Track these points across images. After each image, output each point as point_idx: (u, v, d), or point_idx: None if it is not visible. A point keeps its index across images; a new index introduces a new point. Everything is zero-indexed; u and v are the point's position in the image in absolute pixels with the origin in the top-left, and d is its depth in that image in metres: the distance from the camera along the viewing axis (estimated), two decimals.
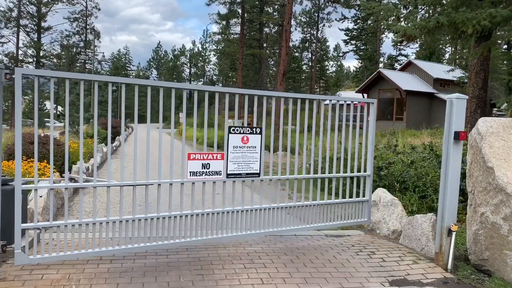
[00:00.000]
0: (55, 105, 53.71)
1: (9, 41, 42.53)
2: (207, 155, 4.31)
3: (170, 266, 4.14)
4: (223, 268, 4.17)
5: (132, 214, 4.12)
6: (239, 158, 4.46)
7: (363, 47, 57.91)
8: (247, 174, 4.55)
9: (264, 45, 41.72)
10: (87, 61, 61.47)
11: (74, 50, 56.90)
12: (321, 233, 5.83)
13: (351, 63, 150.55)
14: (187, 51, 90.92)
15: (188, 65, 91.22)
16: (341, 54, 68.69)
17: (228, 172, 4.43)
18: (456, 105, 4.38)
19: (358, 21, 54.73)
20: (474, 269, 4.47)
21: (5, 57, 41.30)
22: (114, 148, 17.79)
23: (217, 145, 5.00)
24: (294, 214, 5.06)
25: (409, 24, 8.19)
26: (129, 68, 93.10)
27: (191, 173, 4.24)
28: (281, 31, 41.73)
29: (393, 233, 5.62)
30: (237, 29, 39.01)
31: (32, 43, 39.56)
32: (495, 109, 33.43)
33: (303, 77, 67.82)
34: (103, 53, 33.87)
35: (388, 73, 36.04)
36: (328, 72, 75.84)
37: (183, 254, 4.55)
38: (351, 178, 5.39)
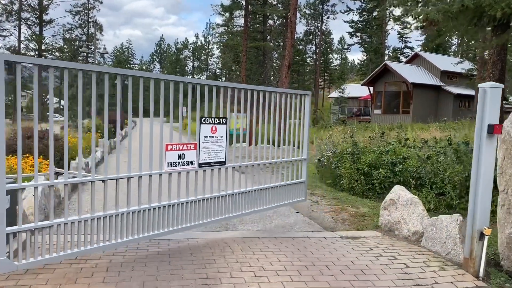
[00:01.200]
0: (57, 99, 53.40)
1: (11, 34, 42.21)
2: (182, 145, 4.40)
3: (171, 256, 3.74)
4: (231, 277, 3.76)
5: (116, 209, 3.98)
6: (209, 148, 4.66)
7: (368, 40, 57.18)
8: (215, 162, 4.78)
9: (268, 37, 41.13)
10: (89, 54, 61.00)
11: (77, 43, 56.54)
12: (335, 234, 5.41)
13: (356, 56, 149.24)
14: (190, 44, 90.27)
15: (191, 59, 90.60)
16: (346, 47, 67.86)
17: (200, 162, 4.59)
18: (490, 94, 3.93)
19: (364, 13, 53.94)
20: (507, 276, 4.04)
21: (6, 50, 40.93)
22: (119, 142, 17.41)
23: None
24: (248, 198, 5.39)
25: (430, 8, 7.63)
26: (132, 62, 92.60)
27: (169, 163, 4.31)
28: (285, 23, 41.09)
29: (413, 234, 5.20)
30: (241, 21, 38.45)
31: (34, 37, 39.14)
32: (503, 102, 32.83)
33: (307, 70, 67.20)
34: (105, 45, 33.35)
35: (394, 65, 35.43)
36: (332, 65, 75.13)
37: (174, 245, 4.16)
38: (291, 162, 5.95)
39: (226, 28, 40.00)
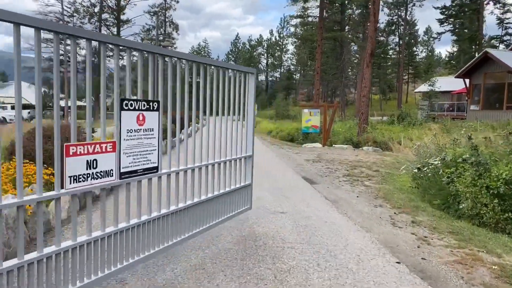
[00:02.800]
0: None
1: None
2: (92, 146, 2.72)
3: None
4: None
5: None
6: (135, 148, 3.08)
7: (461, 27, 50.86)
8: (144, 170, 3.19)
9: (346, 28, 37.93)
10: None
11: (154, 44, 57.58)
12: None
13: (443, 48, 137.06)
14: (264, 41, 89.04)
15: (265, 56, 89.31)
16: (434, 36, 61.08)
17: (122, 170, 2.97)
18: None
19: None
20: None
21: None
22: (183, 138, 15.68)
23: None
24: (188, 216, 3.87)
25: None
26: None
27: (73, 178, 2.56)
28: (364, 13, 37.59)
29: None
30: (316, 11, 35.78)
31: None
32: None
33: (389, 64, 62.24)
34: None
35: (497, 53, 30.24)
36: (417, 58, 69.02)
37: None
38: (235, 161, 4.71)
39: (301, 19, 37.46)
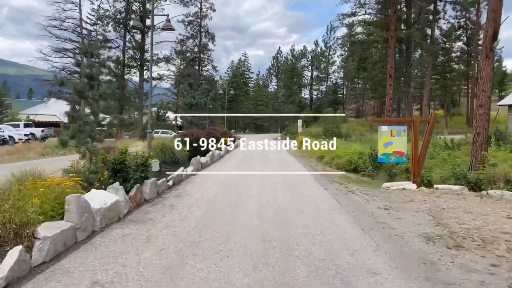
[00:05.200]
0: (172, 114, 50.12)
1: (118, 46, 39.24)
2: None
3: None
4: None
5: None
6: None
7: None
8: None
9: (416, 26, 30.81)
10: (202, 69, 57.43)
11: (189, 55, 53.18)
12: None
13: (507, 61, 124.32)
14: (308, 52, 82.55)
15: (310, 68, 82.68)
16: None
17: None
18: None
19: None
20: None
21: (112, 63, 38.01)
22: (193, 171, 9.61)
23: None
24: None
25: None
26: (247, 76, 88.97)
27: None
28: (434, 10, 30.47)
29: None
30: (375, 7, 29.13)
31: (134, 43, 35.24)
32: None
33: (454, 74, 53.90)
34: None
35: None
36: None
37: None
38: None
39: (354, 17, 30.79)
